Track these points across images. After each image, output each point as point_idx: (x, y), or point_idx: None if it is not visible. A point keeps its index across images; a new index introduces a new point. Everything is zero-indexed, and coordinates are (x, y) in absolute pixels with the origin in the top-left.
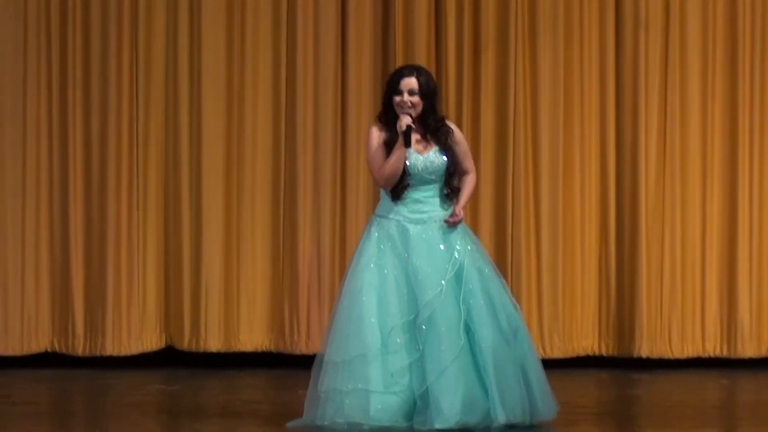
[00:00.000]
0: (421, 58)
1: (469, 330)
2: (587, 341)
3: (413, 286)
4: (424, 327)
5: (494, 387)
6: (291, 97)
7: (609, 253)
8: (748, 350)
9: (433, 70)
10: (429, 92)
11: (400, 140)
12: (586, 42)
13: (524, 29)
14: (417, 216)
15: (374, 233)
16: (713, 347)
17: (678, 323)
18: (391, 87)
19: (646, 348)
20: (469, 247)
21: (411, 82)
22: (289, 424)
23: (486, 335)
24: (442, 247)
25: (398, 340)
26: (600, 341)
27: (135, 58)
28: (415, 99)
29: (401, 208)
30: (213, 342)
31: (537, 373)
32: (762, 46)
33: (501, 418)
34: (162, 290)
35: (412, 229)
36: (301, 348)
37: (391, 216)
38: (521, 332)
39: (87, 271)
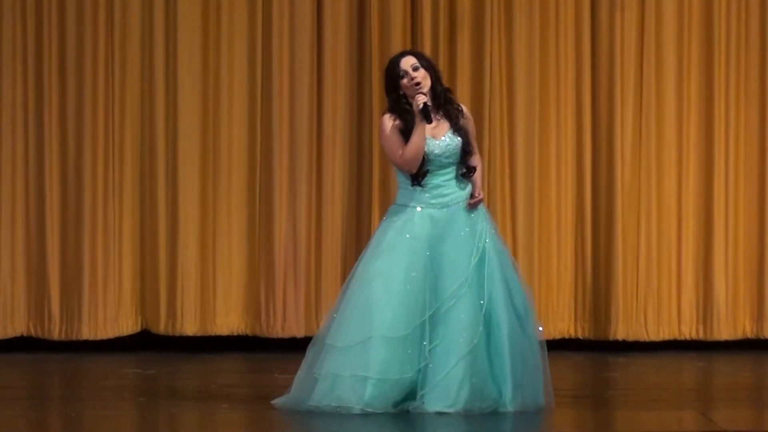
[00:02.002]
0: (397, 39)
1: (488, 316)
2: (563, 324)
3: (437, 272)
4: (445, 317)
5: (509, 375)
6: (267, 81)
7: (585, 236)
8: (724, 332)
9: None
10: (430, 64)
11: (419, 119)
12: (562, 24)
13: (500, 11)
14: (439, 200)
15: (394, 222)
16: (689, 330)
17: (654, 306)
18: (392, 75)
19: (622, 331)
20: (489, 229)
21: (409, 59)
22: (275, 402)
23: (503, 323)
24: (467, 230)
25: (413, 332)
26: (576, 324)
27: (111, 47)
28: (421, 72)
29: (422, 195)
30: (189, 326)
31: (542, 360)
32: (738, 28)
33: (511, 405)
34: (138, 274)
35: (437, 214)
36: (277, 331)
37: (412, 204)
38: (531, 318)
39: (63, 255)
